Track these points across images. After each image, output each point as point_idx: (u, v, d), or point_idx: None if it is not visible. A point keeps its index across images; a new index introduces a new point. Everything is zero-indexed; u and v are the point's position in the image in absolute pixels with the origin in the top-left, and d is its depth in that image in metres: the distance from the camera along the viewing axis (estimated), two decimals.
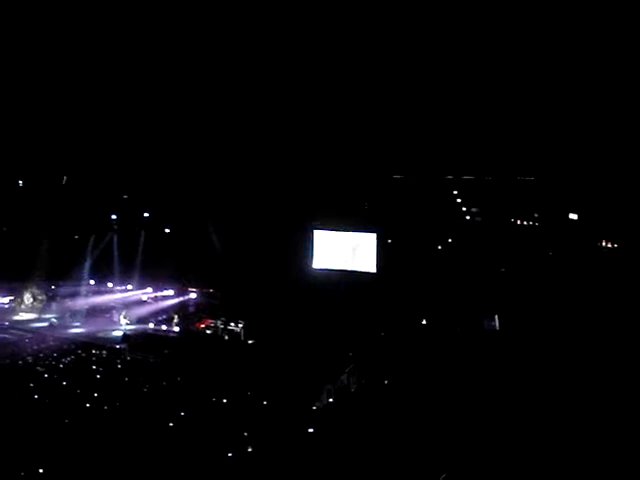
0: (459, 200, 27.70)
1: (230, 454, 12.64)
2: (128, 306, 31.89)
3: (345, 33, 19.85)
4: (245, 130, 26.04)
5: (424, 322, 25.47)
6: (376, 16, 18.76)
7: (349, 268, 28.13)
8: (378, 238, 27.56)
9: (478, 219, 28.58)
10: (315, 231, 28.74)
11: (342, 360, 21.11)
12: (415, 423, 13.26)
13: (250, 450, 13.01)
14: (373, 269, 27.50)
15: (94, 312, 32.39)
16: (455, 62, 20.47)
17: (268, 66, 22.08)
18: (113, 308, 32.16)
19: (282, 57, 21.54)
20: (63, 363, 23.52)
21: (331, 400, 17.74)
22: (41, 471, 12.38)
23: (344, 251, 28.37)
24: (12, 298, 33.54)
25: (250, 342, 26.60)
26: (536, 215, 27.48)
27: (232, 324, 28.09)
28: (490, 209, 27.71)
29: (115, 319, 31.41)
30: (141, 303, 32.27)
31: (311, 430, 14.14)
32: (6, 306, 33.20)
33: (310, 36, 20.19)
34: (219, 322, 28.62)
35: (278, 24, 19.66)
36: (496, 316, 20.86)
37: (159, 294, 32.14)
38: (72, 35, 21.21)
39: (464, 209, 28.23)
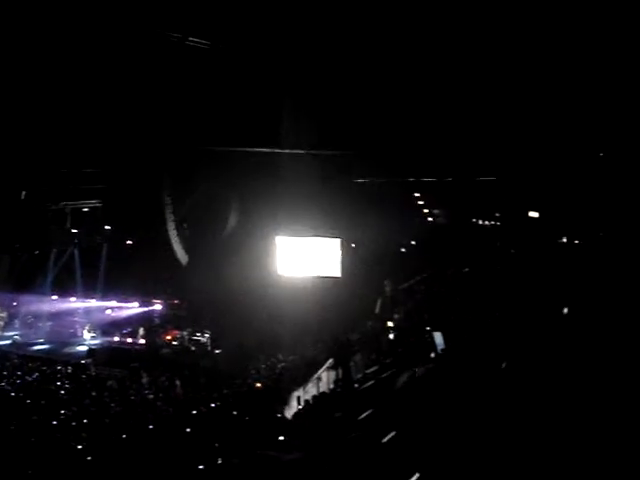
0: (421, 202, 27.99)
1: (201, 466, 12.61)
2: (92, 320, 31.59)
3: None
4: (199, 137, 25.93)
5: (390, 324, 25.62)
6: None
7: (314, 273, 28.15)
8: (342, 243, 27.63)
9: (441, 220, 28.93)
10: (277, 237, 28.71)
11: (311, 366, 21.16)
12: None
13: (220, 462, 13.00)
14: (338, 273, 27.56)
15: (58, 327, 32.02)
16: (411, 63, 20.70)
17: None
18: (77, 322, 31.81)
19: None
20: (28, 381, 23.22)
21: (300, 407, 17.72)
22: None
23: (308, 257, 28.39)
24: None
25: (217, 352, 26.52)
26: (497, 214, 27.91)
27: (198, 334, 27.98)
28: (452, 210, 28.04)
29: (79, 333, 31.10)
30: (105, 316, 31.97)
31: (281, 438, 14.14)
32: None
33: None
34: (185, 333, 28.49)
35: None
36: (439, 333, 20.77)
37: (123, 307, 31.86)
38: None
39: (426, 211, 28.54)
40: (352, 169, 26.46)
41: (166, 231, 30.05)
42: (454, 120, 22.63)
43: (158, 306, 31.10)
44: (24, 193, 32.45)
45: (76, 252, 33.02)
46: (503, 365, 13.22)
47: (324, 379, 20.39)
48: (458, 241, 26.55)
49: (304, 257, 28.37)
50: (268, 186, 27.14)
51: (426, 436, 10.69)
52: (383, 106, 22.71)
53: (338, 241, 27.58)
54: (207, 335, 27.81)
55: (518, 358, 13.10)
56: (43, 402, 19.40)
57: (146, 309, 30.99)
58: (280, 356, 24.54)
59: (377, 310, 24.78)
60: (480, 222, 28.60)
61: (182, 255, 30.19)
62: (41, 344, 30.33)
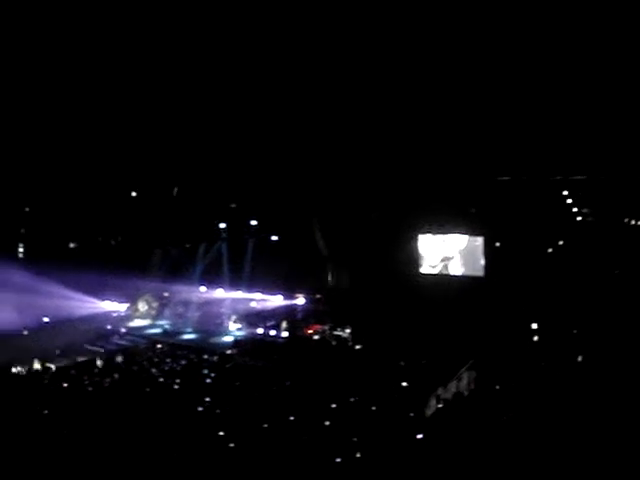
0: (570, 201, 26.65)
1: (338, 459, 12.49)
2: (237, 311, 32.37)
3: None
4: (351, 134, 26.03)
5: (534, 326, 24.63)
6: None
7: (456, 273, 27.54)
8: (486, 242, 26.84)
9: (590, 220, 27.41)
10: (421, 235, 28.27)
11: (452, 365, 20.65)
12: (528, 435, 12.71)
13: (358, 456, 12.83)
14: (481, 273, 26.81)
15: (205, 318, 33.05)
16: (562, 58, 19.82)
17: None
18: (223, 314, 32.70)
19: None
20: (176, 368, 24.10)
21: (440, 406, 17.31)
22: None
23: (451, 255, 27.80)
24: (128, 305, 34.66)
25: (358, 347, 26.42)
26: None
27: (339, 329, 28.03)
28: (603, 209, 26.51)
29: (225, 325, 31.93)
30: (250, 308, 32.68)
31: (420, 436, 13.83)
32: (122, 313, 34.33)
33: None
34: (327, 327, 28.63)
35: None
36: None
37: (267, 299, 32.44)
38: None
39: (575, 210, 27.14)
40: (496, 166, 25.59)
41: (310, 227, 30.40)
42: (606, 117, 21.46)
43: (301, 300, 31.43)
44: (176, 190, 33.87)
45: (224, 246, 34.02)
46: None
47: (465, 380, 19.93)
48: (609, 242, 25.11)
49: (447, 255, 27.86)
50: (410, 183, 26.83)
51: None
52: (531, 102, 21.89)
53: (481, 239, 26.86)
54: (348, 331, 27.79)
55: None
56: (189, 389, 20.06)
57: (289, 302, 31.41)
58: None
59: (520, 312, 24.04)
60: (633, 222, 26.84)
61: (324, 251, 30.43)
62: (189, 333, 31.43)
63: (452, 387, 19.04)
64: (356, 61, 21.85)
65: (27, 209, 34.12)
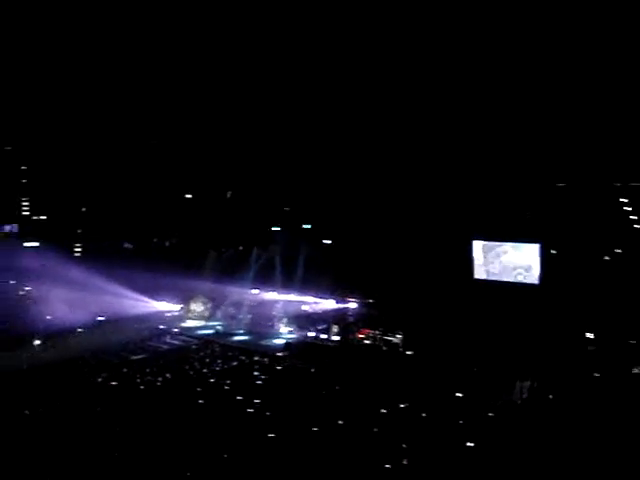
0: (628, 208, 26.01)
1: (388, 465, 12.42)
2: (289, 314, 32.43)
3: None
4: (402, 142, 26.00)
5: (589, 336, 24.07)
6: None
7: (510, 279, 27.11)
8: (541, 248, 26.34)
9: None
10: (474, 242, 27.92)
11: (505, 374, 20.35)
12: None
13: (405, 463, 12.74)
14: (536, 281, 26.33)
15: (257, 320, 33.19)
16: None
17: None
18: (275, 317, 32.79)
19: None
20: (227, 369, 24.28)
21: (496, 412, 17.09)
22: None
23: (505, 262, 27.39)
24: (181, 306, 35.06)
25: (409, 353, 26.20)
26: None
27: (390, 335, 27.83)
28: None
29: (277, 327, 32.02)
30: (301, 312, 32.68)
31: (470, 444, 13.66)
32: (176, 313, 34.73)
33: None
34: (378, 332, 28.45)
35: None
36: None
37: (319, 303, 32.38)
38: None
39: (634, 217, 26.47)
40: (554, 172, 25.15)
41: (362, 231, 30.31)
42: None
43: (353, 304, 31.29)
44: (230, 193, 34.18)
45: (277, 249, 34.13)
46: None
47: (518, 388, 19.66)
48: None
49: (501, 262, 27.48)
50: (466, 188, 26.56)
51: None
52: (590, 109, 21.55)
53: (537, 246, 26.38)
54: (399, 336, 27.57)
55: None
56: (240, 390, 20.18)
57: (341, 306, 31.30)
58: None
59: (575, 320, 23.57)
60: None
61: (376, 256, 30.27)
62: (241, 335, 31.60)
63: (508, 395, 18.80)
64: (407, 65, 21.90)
65: (84, 209, 34.81)
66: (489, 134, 24.42)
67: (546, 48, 20.23)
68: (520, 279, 26.85)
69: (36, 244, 33.83)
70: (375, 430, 15.70)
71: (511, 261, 27.16)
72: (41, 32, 23.13)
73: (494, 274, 27.62)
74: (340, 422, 16.48)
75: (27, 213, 34.69)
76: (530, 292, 26.04)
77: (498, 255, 27.54)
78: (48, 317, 30.87)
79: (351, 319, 30.68)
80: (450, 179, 26.56)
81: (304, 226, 33.42)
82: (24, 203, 34.58)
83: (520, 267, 26.89)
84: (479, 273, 27.90)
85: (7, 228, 34.28)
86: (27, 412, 18.11)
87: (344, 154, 28.04)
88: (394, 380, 20.62)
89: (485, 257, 27.80)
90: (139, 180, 32.29)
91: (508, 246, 27.24)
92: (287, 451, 14.49)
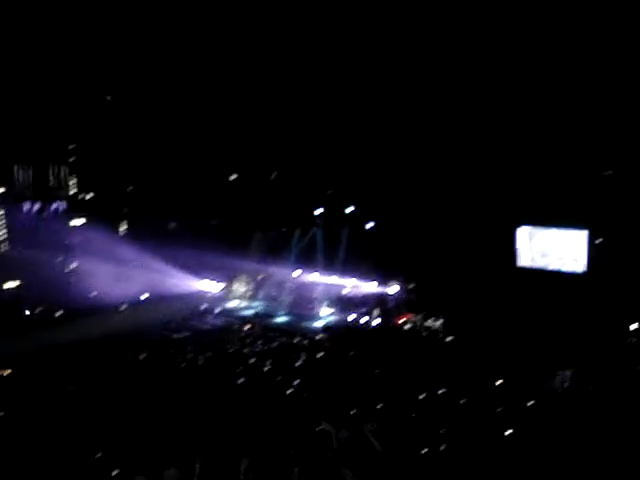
0: None
1: (423, 451, 12.40)
2: (330, 297, 32.49)
3: None
4: (448, 125, 25.76)
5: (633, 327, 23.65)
6: None
7: (555, 267, 26.72)
8: (589, 236, 25.87)
9: None
10: (520, 227, 27.56)
11: (547, 363, 20.12)
12: None
13: (443, 448, 12.70)
14: (582, 269, 25.90)
15: (298, 302, 33.34)
16: None
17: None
18: (316, 299, 32.88)
19: None
20: (267, 350, 24.46)
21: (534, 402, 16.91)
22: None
23: (551, 249, 27.00)
24: (224, 286, 35.36)
25: (449, 339, 26.07)
26: None
27: (430, 320, 27.71)
28: None
29: (317, 310, 32.12)
30: (343, 295, 32.70)
31: (509, 432, 13.56)
32: (218, 293, 35.04)
33: None
34: (418, 318, 28.36)
35: None
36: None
37: (361, 286, 32.33)
38: None
39: None
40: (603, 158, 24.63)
41: (405, 215, 30.12)
42: None
43: (394, 288, 31.18)
44: (274, 175, 34.26)
45: (319, 231, 34.14)
46: None
47: (559, 377, 19.42)
48: None
49: (546, 249, 27.10)
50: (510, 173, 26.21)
51: None
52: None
53: (585, 233, 25.93)
54: (440, 322, 27.43)
55: None
56: (279, 371, 20.32)
57: (382, 290, 31.22)
58: None
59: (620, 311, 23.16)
60: None
61: (418, 240, 30.08)
62: (282, 316, 31.78)
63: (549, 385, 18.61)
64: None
65: (130, 188, 35.25)
66: (538, 117, 24.02)
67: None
68: (565, 267, 26.49)
69: (83, 222, 34.47)
70: (413, 415, 15.68)
71: (557, 248, 26.79)
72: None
73: (539, 261, 27.29)
74: (378, 406, 16.49)
75: (74, 191, 35.28)
76: (576, 280, 25.68)
77: (543, 242, 27.18)
78: (93, 294, 31.55)
79: (392, 303, 30.60)
80: (498, 163, 26.21)
81: (347, 209, 33.37)
82: (71, 181, 35.17)
83: (566, 255, 26.51)
84: (523, 260, 27.58)
85: (55, 206, 34.88)
86: (71, 388, 18.55)
87: (388, 137, 27.86)
88: (433, 366, 20.52)
89: (530, 244, 27.46)
90: (185, 161, 32.52)
91: (554, 232, 26.87)
92: (325, 433, 14.56)
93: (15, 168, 33.81)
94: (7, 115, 29.18)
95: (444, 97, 24.99)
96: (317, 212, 34.32)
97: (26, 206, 34.00)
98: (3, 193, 33.42)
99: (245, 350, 24.26)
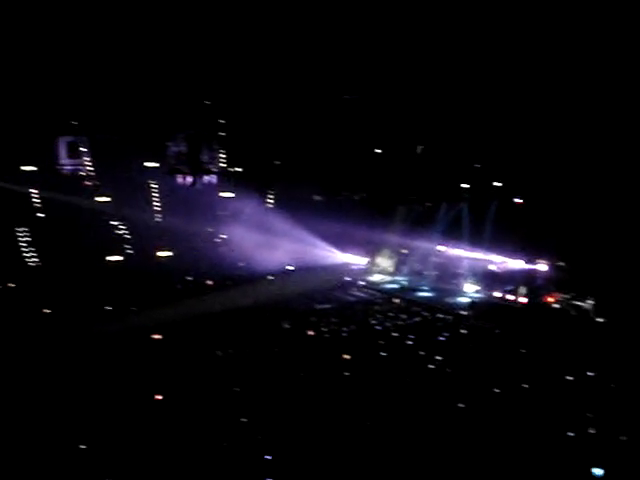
0: None
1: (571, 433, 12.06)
2: (475, 273, 31.89)
3: None
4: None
5: None
6: None
7: None
8: None
9: None
10: None
11: None
12: None
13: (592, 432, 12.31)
14: None
15: (442, 277, 33.03)
16: None
17: None
18: (460, 274, 32.40)
19: None
20: (409, 324, 24.42)
21: None
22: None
23: None
24: (368, 260, 35.56)
25: (600, 320, 24.92)
26: None
27: (581, 300, 26.57)
28: None
29: (462, 285, 31.63)
30: (488, 272, 31.99)
31: None
32: (362, 267, 35.28)
33: None
34: (568, 297, 27.27)
35: None
36: None
37: (507, 263, 31.49)
38: None
39: None
40: None
41: (556, 191, 29.08)
42: None
43: (543, 266, 30.13)
44: (420, 148, 34.00)
45: (465, 206, 33.53)
46: None
47: None
48: None
49: None
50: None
51: None
52: None
53: None
54: (590, 302, 26.24)
55: None
56: (422, 346, 20.27)
57: (530, 267, 30.23)
58: None
59: None
60: None
61: (570, 218, 28.94)
62: (425, 291, 31.57)
63: None
64: None
65: (277, 162, 36.10)
66: None
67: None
68: None
69: (232, 195, 35.76)
70: (559, 397, 15.24)
71: None
72: None
73: None
74: (524, 386, 16.15)
75: (224, 165, 36.63)
76: None
77: None
78: (241, 264, 32.70)
79: (540, 281, 29.61)
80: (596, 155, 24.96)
81: (494, 183, 32.58)
82: (222, 156, 36.50)
83: None
84: None
85: (207, 179, 36.38)
86: (219, 353, 19.36)
87: (537, 113, 26.98)
88: (583, 347, 19.75)
89: None
90: (331, 135, 32.88)
91: None
92: (467, 410, 14.46)
93: (169, 144, 35.55)
94: (164, 93, 30.67)
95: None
96: (464, 186, 33.74)
97: (179, 179, 35.72)
98: (157, 167, 35.28)
99: (387, 324, 24.30)
